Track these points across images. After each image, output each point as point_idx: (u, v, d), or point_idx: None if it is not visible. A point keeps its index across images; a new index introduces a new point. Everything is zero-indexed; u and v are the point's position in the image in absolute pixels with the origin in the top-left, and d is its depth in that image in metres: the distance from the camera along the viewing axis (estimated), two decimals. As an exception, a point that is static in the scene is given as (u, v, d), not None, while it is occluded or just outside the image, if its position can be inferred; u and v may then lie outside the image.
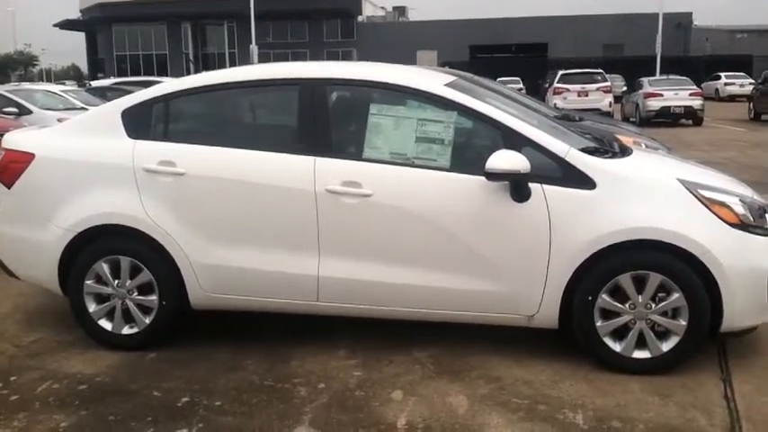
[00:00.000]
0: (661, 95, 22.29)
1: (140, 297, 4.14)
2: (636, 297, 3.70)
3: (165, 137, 4.24)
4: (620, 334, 3.77)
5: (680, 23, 54.33)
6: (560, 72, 24.70)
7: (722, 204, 3.77)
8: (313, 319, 4.26)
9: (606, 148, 4.26)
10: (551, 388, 3.63)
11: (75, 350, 4.23)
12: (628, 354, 3.76)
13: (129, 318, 4.18)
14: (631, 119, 22.55)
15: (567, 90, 23.22)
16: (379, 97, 4.07)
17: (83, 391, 3.70)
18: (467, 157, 3.97)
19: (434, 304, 3.91)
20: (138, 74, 45.90)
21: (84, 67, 74.01)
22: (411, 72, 4.47)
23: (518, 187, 3.68)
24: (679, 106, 22.10)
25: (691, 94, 22.55)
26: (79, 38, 66.01)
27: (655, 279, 3.66)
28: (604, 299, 3.72)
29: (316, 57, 50.74)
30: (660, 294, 3.69)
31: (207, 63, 55.22)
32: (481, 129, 4.00)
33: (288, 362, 4.00)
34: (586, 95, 23.01)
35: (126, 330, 4.19)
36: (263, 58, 40.66)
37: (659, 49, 38.37)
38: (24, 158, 4.28)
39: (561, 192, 3.71)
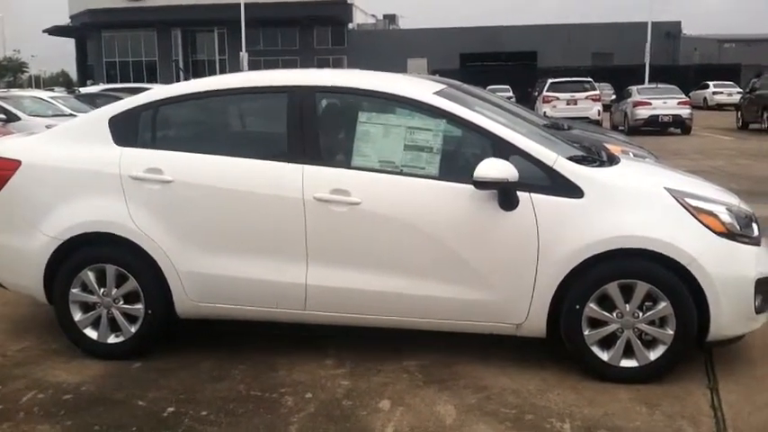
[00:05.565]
0: (649, 104, 22.39)
1: (126, 306, 4.11)
2: (623, 306, 3.70)
3: (153, 144, 4.22)
4: (607, 343, 3.77)
5: (669, 32, 54.74)
6: (549, 80, 24.81)
7: (709, 213, 3.78)
8: (301, 328, 4.24)
9: (594, 156, 4.27)
10: (539, 397, 3.62)
11: (60, 359, 4.19)
12: (615, 362, 3.76)
13: (114, 327, 4.15)
14: (620, 127, 22.63)
15: (557, 98, 23.34)
16: (368, 105, 4.07)
17: (68, 401, 3.66)
18: (455, 165, 3.98)
19: (423, 313, 3.90)
20: (128, 80, 45.82)
21: (73, 74, 73.74)
22: (400, 80, 4.47)
23: (506, 196, 3.68)
24: (667, 115, 22.21)
25: (679, 103, 22.67)
26: (69, 44, 65.92)
27: (642, 288, 3.66)
28: (592, 308, 3.72)
29: (306, 64, 50.74)
30: (647, 303, 3.69)
31: (197, 70, 55.11)
32: (470, 137, 4.01)
33: (275, 371, 3.98)
34: (575, 104, 23.13)
35: (111, 339, 4.15)
36: (254, 65, 40.65)
37: (648, 58, 38.65)
38: (11, 165, 4.25)
39: (549, 200, 3.72)
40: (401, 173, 3.88)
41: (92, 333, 4.17)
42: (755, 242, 3.85)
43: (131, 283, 4.07)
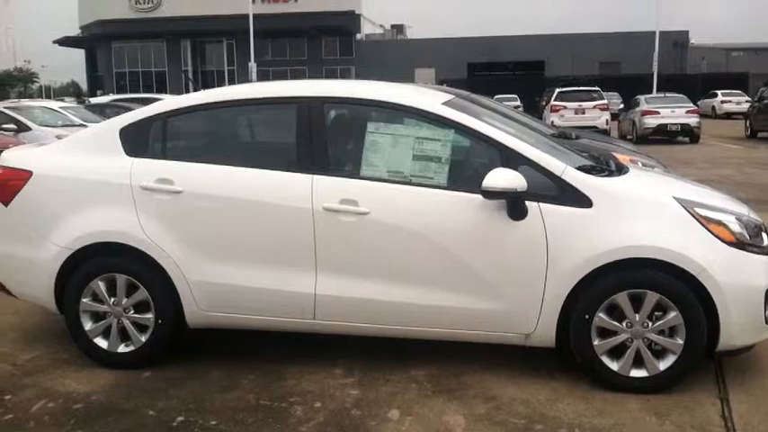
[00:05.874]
0: (658, 113, 22.34)
1: (136, 315, 4.13)
2: (633, 316, 3.69)
3: (164, 155, 4.24)
4: (617, 352, 3.76)
5: (677, 42, 54.66)
6: (557, 90, 24.82)
7: (718, 223, 3.78)
8: (310, 338, 4.25)
9: (602, 166, 4.27)
10: (548, 407, 3.61)
11: (70, 368, 4.21)
12: (625, 372, 3.75)
13: (125, 336, 4.17)
14: (628, 136, 22.60)
15: (565, 108, 23.31)
16: (377, 115, 4.08)
17: (78, 410, 3.67)
18: (464, 175, 3.98)
19: (431, 322, 3.90)
20: (138, 91, 46.04)
21: (83, 84, 74.17)
22: (409, 90, 4.49)
23: (515, 205, 3.69)
24: (676, 124, 22.16)
25: (687, 112, 22.61)
26: (79, 55, 66.30)
27: (651, 298, 3.66)
28: (601, 317, 3.71)
29: (314, 74, 50.94)
30: (657, 313, 3.68)
31: (206, 80, 55.40)
32: (478, 147, 4.02)
33: (284, 380, 3.98)
34: (583, 113, 23.10)
35: (122, 349, 4.17)
36: (262, 76, 40.84)
37: (656, 67, 38.58)
38: (22, 176, 4.28)
39: (558, 210, 3.72)
40: (410, 183, 3.89)
41: (102, 342, 4.19)
42: (765, 251, 3.83)
43: (142, 293, 4.09)
